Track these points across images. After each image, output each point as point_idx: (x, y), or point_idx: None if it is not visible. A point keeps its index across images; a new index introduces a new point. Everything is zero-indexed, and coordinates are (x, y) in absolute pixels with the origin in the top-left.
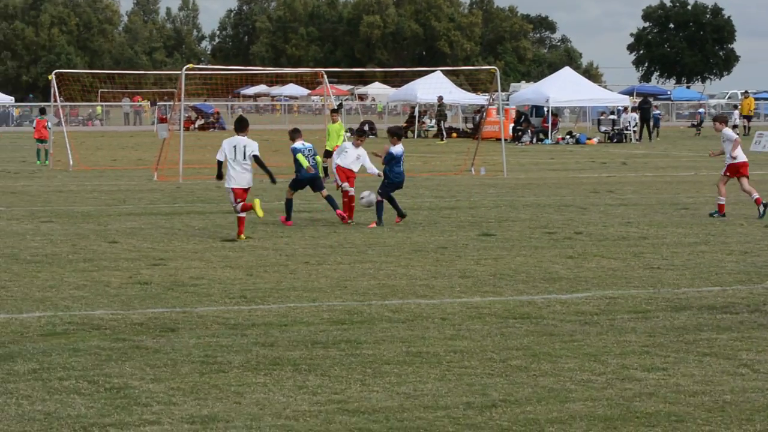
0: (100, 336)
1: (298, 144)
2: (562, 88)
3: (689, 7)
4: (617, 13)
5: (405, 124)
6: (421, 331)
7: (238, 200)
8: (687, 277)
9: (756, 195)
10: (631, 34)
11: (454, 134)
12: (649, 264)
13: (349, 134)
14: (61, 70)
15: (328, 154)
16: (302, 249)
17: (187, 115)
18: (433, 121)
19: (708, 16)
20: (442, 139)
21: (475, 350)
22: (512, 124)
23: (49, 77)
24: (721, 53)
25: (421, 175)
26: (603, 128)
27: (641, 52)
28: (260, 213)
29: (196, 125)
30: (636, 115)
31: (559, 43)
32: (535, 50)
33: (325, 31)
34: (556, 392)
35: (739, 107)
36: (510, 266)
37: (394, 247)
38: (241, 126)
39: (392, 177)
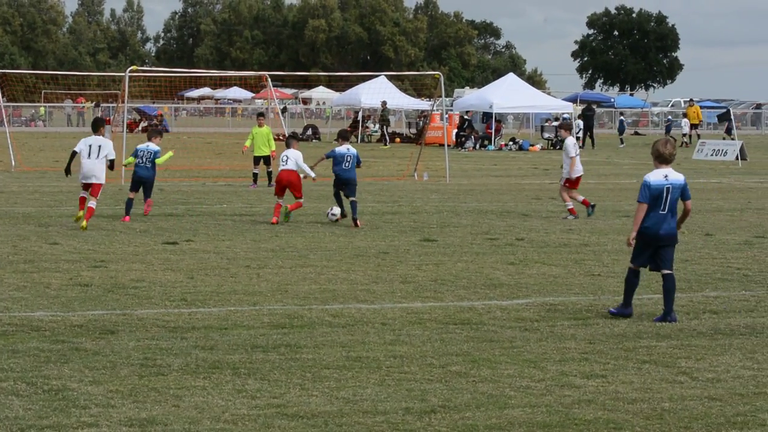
0: (40, 337)
1: (142, 145)
2: (505, 94)
3: (634, 15)
4: (561, 20)
5: (348, 129)
6: (361, 336)
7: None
8: None
9: (581, 198)
10: (576, 41)
11: (398, 139)
12: (590, 271)
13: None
14: (4, 71)
15: (257, 161)
16: (243, 253)
17: (130, 117)
18: (377, 125)
19: (652, 24)
20: (385, 144)
21: (414, 356)
22: (455, 130)
23: None
24: (664, 61)
25: (364, 179)
26: (546, 135)
27: (585, 59)
28: (83, 225)
29: (140, 127)
30: (581, 122)
31: (503, 50)
32: (479, 56)
33: (269, 35)
34: (495, 398)
35: (687, 115)
36: (451, 272)
37: (335, 252)
38: (96, 126)
39: (338, 173)
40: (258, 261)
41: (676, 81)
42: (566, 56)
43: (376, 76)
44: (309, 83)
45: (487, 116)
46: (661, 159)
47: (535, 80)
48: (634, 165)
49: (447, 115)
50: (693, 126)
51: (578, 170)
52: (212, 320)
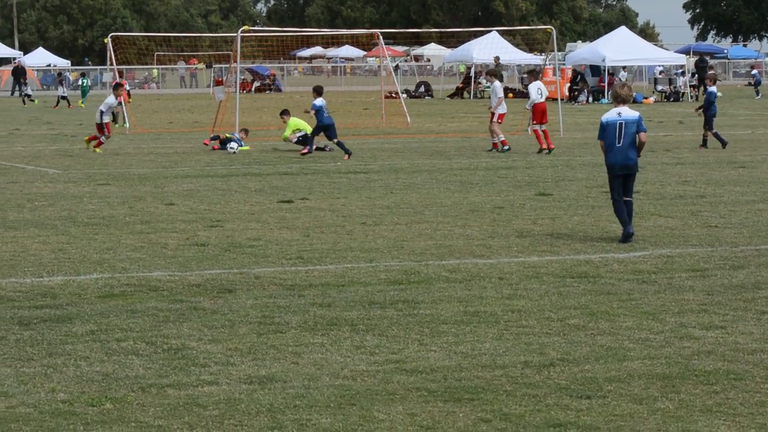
0: (158, 297)
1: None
2: (618, 48)
3: None
4: None
5: (461, 85)
6: (478, 290)
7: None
8: (745, 235)
9: (502, 137)
10: None
11: (511, 94)
12: (706, 222)
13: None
14: (116, 33)
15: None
16: (359, 210)
17: (243, 77)
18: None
19: None
20: None
21: (532, 309)
22: (568, 84)
23: (105, 41)
24: None
25: (477, 135)
26: (660, 87)
27: (697, 10)
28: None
29: (253, 87)
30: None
31: (614, 3)
32: (590, 10)
33: None
34: (614, 351)
35: None
36: (567, 225)
37: (450, 208)
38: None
39: (323, 121)
40: (373, 218)
41: None
42: (678, 8)
43: (488, 31)
44: (420, 40)
45: (597, 70)
46: (619, 99)
47: (647, 33)
48: (749, 116)
49: (560, 70)
50: None
51: (500, 110)
52: (329, 277)
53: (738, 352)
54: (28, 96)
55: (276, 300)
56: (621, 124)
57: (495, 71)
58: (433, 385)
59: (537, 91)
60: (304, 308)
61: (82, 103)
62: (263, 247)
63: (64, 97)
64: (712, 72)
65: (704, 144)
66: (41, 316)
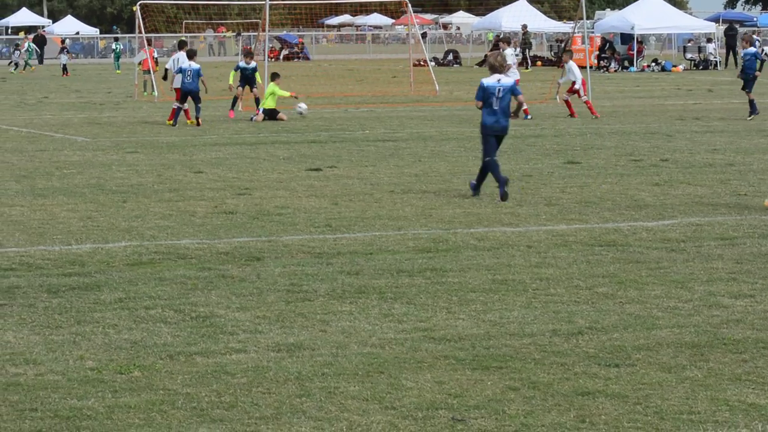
0: (186, 265)
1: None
2: (647, 16)
3: None
4: None
5: (489, 53)
6: (506, 258)
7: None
8: None
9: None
10: None
11: (539, 62)
12: (735, 191)
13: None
14: (145, 1)
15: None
16: (387, 178)
17: (271, 45)
18: (518, 49)
19: None
20: (526, 68)
21: (561, 278)
22: (596, 52)
23: (134, 9)
24: None
25: None
26: (689, 55)
27: None
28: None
29: (281, 55)
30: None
31: None
32: None
33: None
34: (642, 319)
35: None
36: (596, 194)
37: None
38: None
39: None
40: (401, 186)
41: None
42: None
43: None
44: (449, 8)
45: (626, 38)
46: (493, 69)
47: (677, 1)
48: None
49: (588, 38)
50: None
51: (516, 74)
52: (357, 245)
53: (767, 321)
54: (17, 65)
55: (304, 268)
56: (499, 89)
57: (506, 38)
58: (461, 353)
59: (511, 56)
60: (332, 276)
61: (118, 70)
62: (291, 215)
63: (64, 66)
64: (747, 33)
65: (754, 110)
66: (70, 284)
